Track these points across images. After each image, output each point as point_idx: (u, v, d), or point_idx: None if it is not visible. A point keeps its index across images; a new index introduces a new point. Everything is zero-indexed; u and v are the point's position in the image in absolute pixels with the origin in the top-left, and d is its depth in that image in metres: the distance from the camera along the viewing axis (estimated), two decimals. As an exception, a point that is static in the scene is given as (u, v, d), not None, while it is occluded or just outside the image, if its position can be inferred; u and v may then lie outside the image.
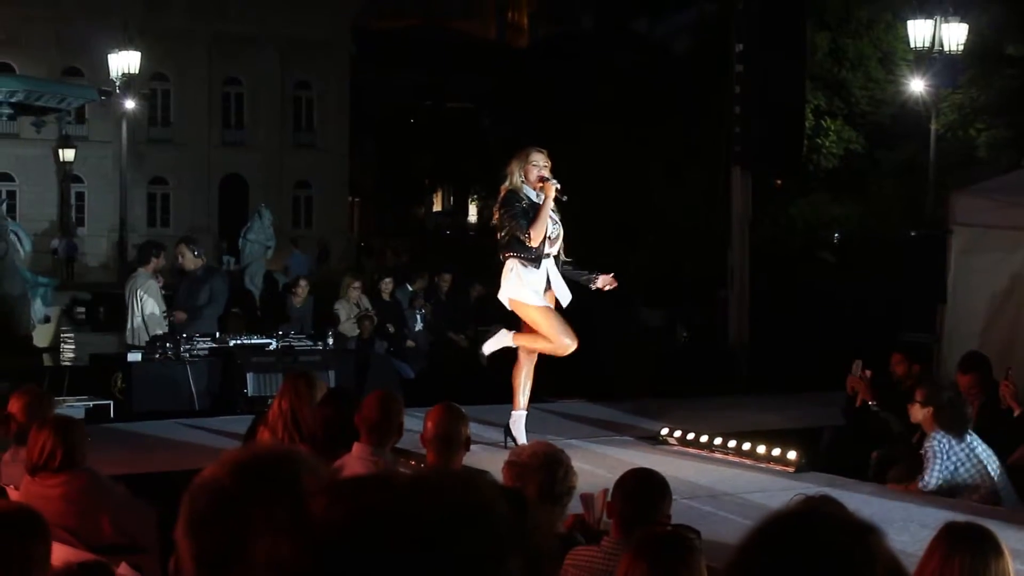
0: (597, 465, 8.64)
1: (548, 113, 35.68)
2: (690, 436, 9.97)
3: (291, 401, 6.29)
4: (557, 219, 9.52)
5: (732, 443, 9.62)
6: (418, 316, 16.51)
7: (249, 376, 12.36)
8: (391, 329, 15.83)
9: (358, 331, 15.38)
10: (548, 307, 9.47)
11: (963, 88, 26.69)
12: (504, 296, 9.50)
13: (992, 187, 14.36)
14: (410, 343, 16.08)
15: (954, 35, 22.62)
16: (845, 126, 28.28)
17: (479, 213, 50.52)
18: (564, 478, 4.71)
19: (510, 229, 9.34)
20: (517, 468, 4.77)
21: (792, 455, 9.22)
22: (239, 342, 12.93)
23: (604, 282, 9.80)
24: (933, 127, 23.94)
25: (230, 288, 15.21)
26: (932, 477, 8.62)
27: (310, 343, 13.21)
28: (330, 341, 13.40)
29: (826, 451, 10.47)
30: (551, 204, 9.36)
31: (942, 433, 8.62)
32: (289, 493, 1.93)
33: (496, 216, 9.55)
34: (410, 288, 16.90)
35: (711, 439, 9.82)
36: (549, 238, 9.40)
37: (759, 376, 14.89)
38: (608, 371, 14.98)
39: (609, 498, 5.09)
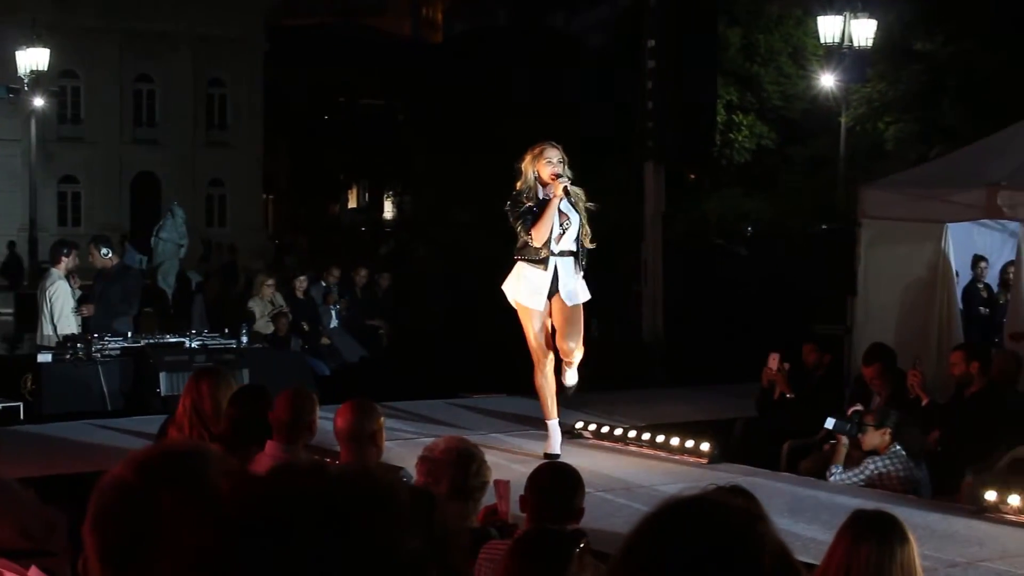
0: (512, 460, 8.64)
1: (463, 109, 35.67)
2: (605, 429, 10.01)
3: (193, 399, 6.23)
4: (573, 215, 9.06)
5: (646, 436, 9.67)
6: (333, 312, 16.44)
7: (162, 375, 12.22)
8: (306, 327, 15.75)
9: (273, 328, 15.27)
10: (538, 313, 9.11)
11: (872, 83, 27.03)
12: (506, 293, 9.24)
13: (900, 180, 14.54)
14: (325, 340, 16.00)
15: (863, 31, 22.90)
16: (757, 121, 28.55)
17: (394, 208, 50.40)
18: (477, 473, 4.71)
19: (517, 231, 9.01)
20: (429, 463, 4.76)
21: (705, 447, 9.29)
22: (151, 341, 12.80)
23: None
24: (843, 121, 24.21)
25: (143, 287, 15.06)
26: (847, 481, 8.72)
27: (224, 342, 13.10)
28: (244, 339, 13.30)
29: (739, 442, 10.55)
30: (558, 202, 8.92)
31: (896, 456, 8.70)
32: (194, 487, 1.92)
33: (508, 217, 9.12)
34: (324, 284, 16.81)
35: (626, 432, 9.86)
36: (559, 235, 8.99)
37: (673, 369, 14.99)
38: (524, 365, 15.02)
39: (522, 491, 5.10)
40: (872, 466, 8.70)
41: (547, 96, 31.34)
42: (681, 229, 24.36)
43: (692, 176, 27.98)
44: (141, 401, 12.11)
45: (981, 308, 14.47)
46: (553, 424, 9.33)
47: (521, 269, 9.09)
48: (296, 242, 32.05)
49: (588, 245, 9.17)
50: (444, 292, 20.25)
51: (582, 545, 3.80)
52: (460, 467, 4.68)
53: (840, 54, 23.40)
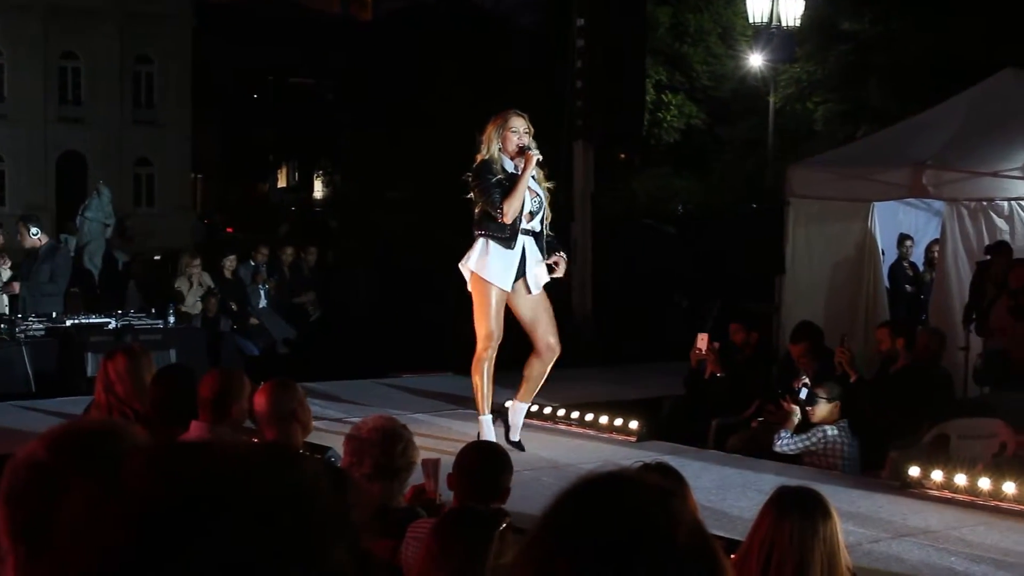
0: (441, 439, 8.64)
1: (392, 88, 35.53)
2: (534, 408, 10.01)
3: (106, 381, 6.16)
4: (541, 191, 8.66)
5: (575, 414, 9.70)
6: (262, 292, 16.33)
7: (88, 356, 12.10)
8: (234, 307, 15.63)
9: (201, 308, 15.15)
10: (503, 294, 8.59)
11: (800, 63, 27.18)
12: (465, 267, 8.65)
13: (828, 160, 14.67)
14: (253, 320, 15.90)
15: (791, 10, 23.00)
16: (686, 100, 28.64)
17: (325, 188, 50.15)
18: (402, 453, 4.69)
19: (482, 203, 8.49)
20: (355, 443, 4.74)
21: (634, 425, 9.33)
22: (77, 322, 12.66)
23: (558, 265, 8.76)
24: (772, 101, 24.35)
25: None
26: (796, 445, 8.80)
27: (151, 322, 12.99)
28: (171, 320, 13.19)
29: (667, 421, 10.61)
30: (530, 175, 8.50)
31: (844, 429, 8.81)
32: (105, 465, 1.88)
33: (471, 189, 8.60)
34: (252, 264, 16.69)
35: (555, 411, 9.88)
36: (530, 212, 8.57)
37: (602, 348, 15.04)
38: (453, 344, 15.04)
39: (450, 469, 5.09)
40: (820, 434, 8.80)
41: (477, 75, 31.27)
42: (611, 209, 24.41)
43: (622, 156, 28.03)
44: (67, 382, 11.99)
45: (907, 286, 14.63)
46: (486, 420, 8.80)
47: (486, 245, 8.56)
48: (216, 221, 31.84)
49: (548, 233, 8.78)
50: (375, 271, 20.18)
51: (504, 524, 3.79)
52: (385, 447, 4.65)
53: (768, 34, 23.50)
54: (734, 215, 24.53)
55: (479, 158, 8.61)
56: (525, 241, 8.60)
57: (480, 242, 8.58)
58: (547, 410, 9.91)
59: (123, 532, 1.45)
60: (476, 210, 8.60)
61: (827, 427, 8.83)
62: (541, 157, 8.57)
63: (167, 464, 1.51)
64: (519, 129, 8.57)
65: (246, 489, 1.47)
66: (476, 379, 8.73)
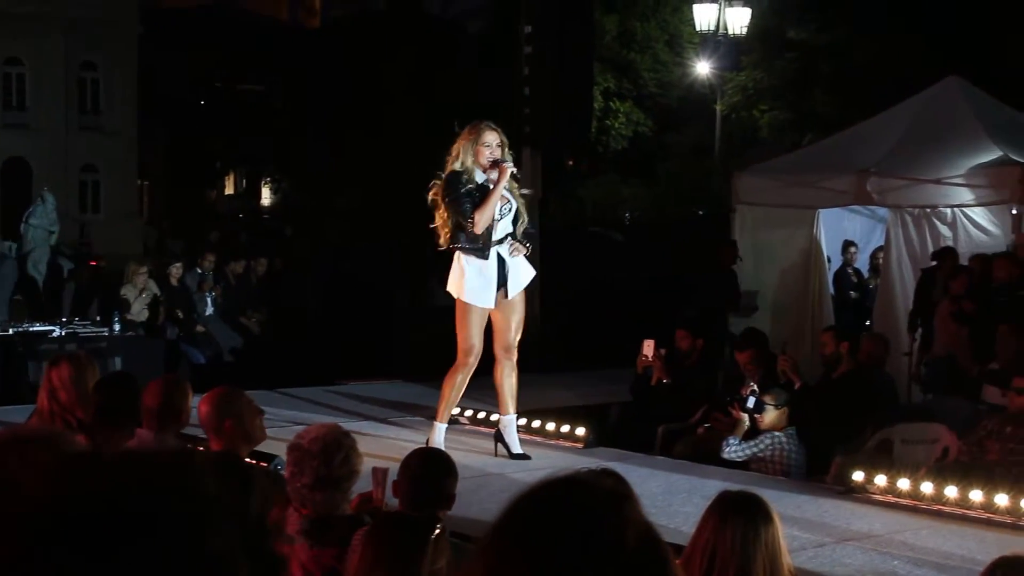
0: (387, 447, 8.61)
1: (341, 95, 35.43)
2: (481, 415, 10.01)
3: (49, 388, 6.11)
4: (512, 199, 8.56)
5: (522, 421, 9.69)
6: (208, 300, 16.25)
7: (31, 365, 12.00)
8: (180, 315, 15.54)
9: (147, 316, 15.06)
10: (486, 312, 8.54)
11: (746, 71, 27.36)
12: (449, 288, 8.62)
13: (773, 167, 14.76)
14: (200, 328, 15.81)
15: (738, 18, 23.17)
16: (634, 108, 28.75)
17: (273, 195, 49.95)
18: (344, 462, 4.67)
19: (453, 214, 8.36)
20: (297, 452, 4.72)
21: (581, 432, 9.34)
22: (20, 329, 12.55)
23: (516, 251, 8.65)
24: (718, 109, 24.54)
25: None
26: (744, 452, 8.85)
27: (96, 330, 12.89)
28: (116, 327, 13.10)
29: (614, 427, 10.64)
30: (503, 187, 8.39)
31: (791, 436, 8.86)
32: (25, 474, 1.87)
33: (438, 203, 8.45)
34: (199, 272, 16.60)
35: (502, 418, 9.87)
36: (498, 221, 8.46)
37: (550, 355, 15.05)
38: (403, 351, 15.03)
39: (395, 477, 5.08)
40: (768, 440, 8.84)
41: (425, 82, 31.25)
42: (558, 215, 24.48)
43: (570, 162, 28.09)
44: (11, 391, 11.87)
45: (851, 292, 14.74)
46: (440, 428, 8.80)
47: (463, 261, 8.47)
48: (163, 227, 31.65)
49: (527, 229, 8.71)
50: (323, 278, 20.12)
51: (438, 530, 3.79)
52: (326, 456, 4.63)
53: (715, 41, 23.66)
54: (680, 222, 24.66)
55: (448, 169, 8.50)
56: (500, 250, 8.54)
57: (456, 260, 8.52)
58: (494, 417, 9.90)
59: (10, 535, 1.46)
60: (445, 229, 8.49)
61: (775, 433, 8.89)
62: (516, 170, 8.53)
63: (58, 472, 1.52)
64: (492, 144, 8.48)
65: (127, 495, 1.48)
66: (446, 388, 8.76)
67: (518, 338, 8.82)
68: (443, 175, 8.53)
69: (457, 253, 8.52)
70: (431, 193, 8.57)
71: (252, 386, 11.44)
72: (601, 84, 27.34)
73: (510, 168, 8.44)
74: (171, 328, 15.30)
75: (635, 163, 29.16)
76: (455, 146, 8.55)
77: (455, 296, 8.58)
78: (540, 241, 15.97)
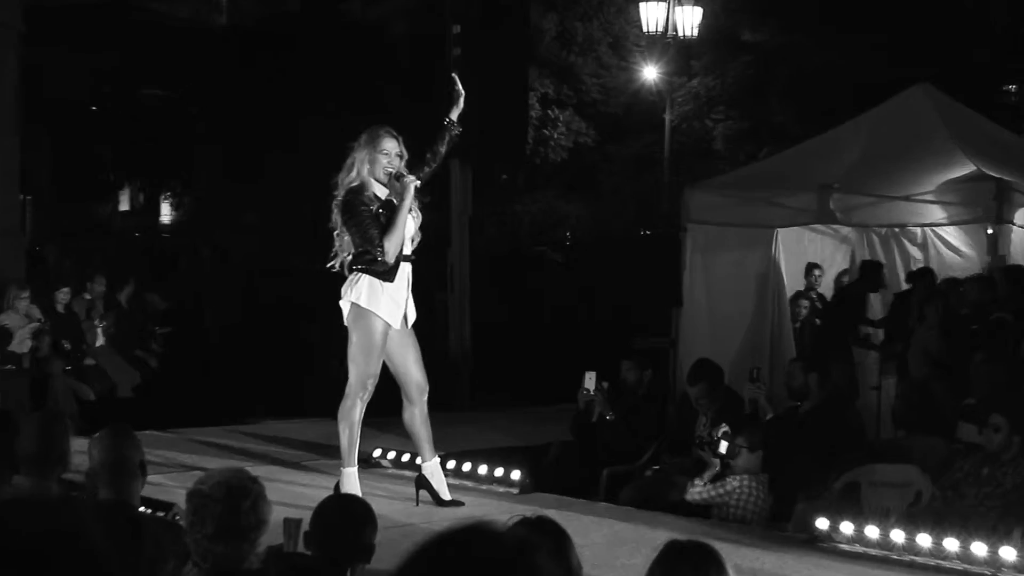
0: (299, 495, 8.52)
1: (250, 102, 35.25)
2: (405, 457, 9.95)
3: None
4: (416, 215, 8.51)
5: (451, 464, 9.63)
6: (98, 330, 16.05)
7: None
8: (67, 345, 15.34)
9: (31, 347, 14.85)
10: (386, 332, 8.40)
11: (698, 76, 27.48)
12: (348, 301, 8.40)
13: (727, 182, 14.81)
14: (89, 360, 15.62)
15: (688, 19, 23.26)
16: (575, 116, 28.74)
17: (173, 211, 49.59)
18: (250, 511, 4.58)
19: (358, 240, 8.27)
20: (198, 499, 4.63)
21: (516, 475, 9.30)
22: None
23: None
24: (667, 118, 24.60)
25: None
26: (708, 494, 8.83)
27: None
28: (-5, 360, 12.92)
29: (553, 470, 10.59)
30: (408, 205, 8.32)
31: (763, 483, 8.85)
32: None
33: (337, 223, 8.39)
34: (88, 297, 16.40)
35: (429, 460, 9.80)
36: (411, 239, 8.44)
37: (482, 389, 15.01)
38: (324, 384, 14.92)
39: (308, 527, 5.02)
40: (737, 484, 8.82)
41: (344, 87, 31.17)
42: (491, 233, 24.45)
43: (503, 176, 28.08)
44: None
45: (816, 320, 14.78)
46: (351, 473, 8.59)
47: (368, 279, 8.36)
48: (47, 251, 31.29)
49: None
50: (230, 304, 19.96)
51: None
52: (231, 502, 4.55)
53: (664, 44, 23.76)
54: (626, 242, 24.70)
55: (344, 181, 8.38)
56: (408, 270, 8.49)
57: (361, 278, 8.38)
58: (419, 459, 9.83)
59: None
60: (345, 247, 8.42)
61: (746, 478, 8.86)
62: (420, 183, 8.44)
63: None
64: (391, 152, 8.42)
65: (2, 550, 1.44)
66: (343, 426, 8.56)
67: (424, 373, 8.76)
68: (339, 196, 8.41)
69: (362, 275, 8.40)
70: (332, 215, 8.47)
71: (148, 426, 11.38)
72: (538, 90, 27.31)
73: (414, 182, 8.37)
74: (57, 361, 15.09)
75: (576, 177, 29.18)
76: (349, 157, 8.46)
77: (360, 306, 8.36)
78: (470, 264, 15.99)
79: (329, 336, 17.76)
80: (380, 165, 8.39)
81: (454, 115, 8.86)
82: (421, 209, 8.65)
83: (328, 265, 8.54)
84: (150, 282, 17.95)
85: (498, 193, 26.70)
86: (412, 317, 8.61)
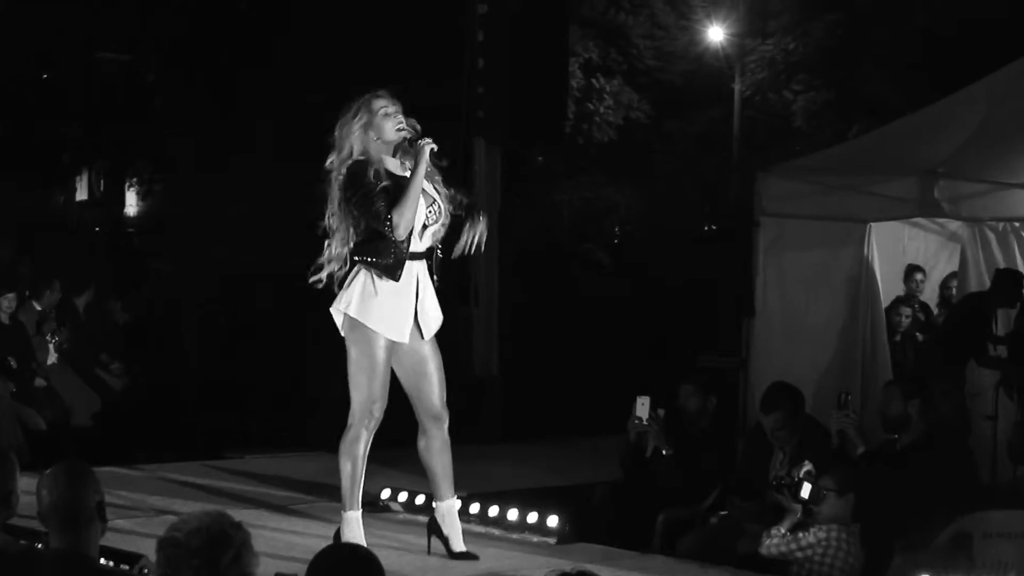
0: (292, 544, 8.56)
1: (236, 65, 35.31)
2: (419, 500, 9.96)
3: None
4: (437, 195, 8.35)
5: (475, 508, 9.64)
6: (50, 345, 16.15)
7: None
8: (13, 363, 15.44)
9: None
10: (390, 349, 8.34)
11: (774, 37, 27.45)
12: (340, 308, 8.30)
13: (810, 166, 14.77)
14: (40, 381, 15.71)
15: (761, -32, 23.29)
16: (625, 86, 28.76)
17: (141, 201, 49.78)
18: (232, 564, 4.62)
19: (362, 217, 8.16)
20: (171, 549, 4.66)
21: (554, 522, 9.30)
22: None
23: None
24: (737, 88, 24.64)
25: None
26: (787, 547, 8.83)
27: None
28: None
29: (598, 515, 10.60)
30: (423, 171, 8.14)
31: (854, 535, 8.84)
32: None
33: (336, 207, 8.27)
34: (37, 307, 16.49)
35: (448, 503, 9.83)
36: (423, 226, 8.26)
37: (513, 417, 15.04)
38: (324, 412, 14.97)
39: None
40: (823, 536, 8.80)
41: (347, 44, 31.23)
42: (524, 230, 24.45)
43: (539, 159, 28.11)
44: None
45: (918, 334, 14.76)
46: (354, 517, 8.54)
47: (368, 278, 8.25)
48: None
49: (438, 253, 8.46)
50: (209, 314, 20.06)
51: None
52: (210, 554, 4.58)
53: (732, -1, 23.80)
54: (687, 238, 24.72)
55: (341, 162, 8.27)
56: (418, 269, 8.36)
57: (359, 275, 8.27)
58: (434, 500, 9.85)
59: None
60: (341, 241, 8.31)
61: (833, 528, 8.84)
62: (436, 147, 8.25)
63: None
64: (390, 108, 8.29)
65: None
66: (345, 461, 8.51)
67: (444, 396, 8.70)
68: (337, 174, 8.27)
69: (360, 271, 8.29)
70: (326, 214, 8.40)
71: (110, 461, 11.43)
72: (580, 55, 27.37)
73: (429, 144, 8.19)
74: (3, 382, 15.21)
75: (627, 160, 29.17)
76: (340, 134, 8.31)
77: (353, 318, 8.28)
78: (499, 266, 16.00)
79: (331, 352, 17.85)
80: (388, 128, 8.28)
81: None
82: (441, 194, 8.55)
83: (312, 280, 8.42)
84: (114, 288, 18.03)
85: (533, 180, 26.74)
86: (432, 326, 8.50)
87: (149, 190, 46.40)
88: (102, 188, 53.33)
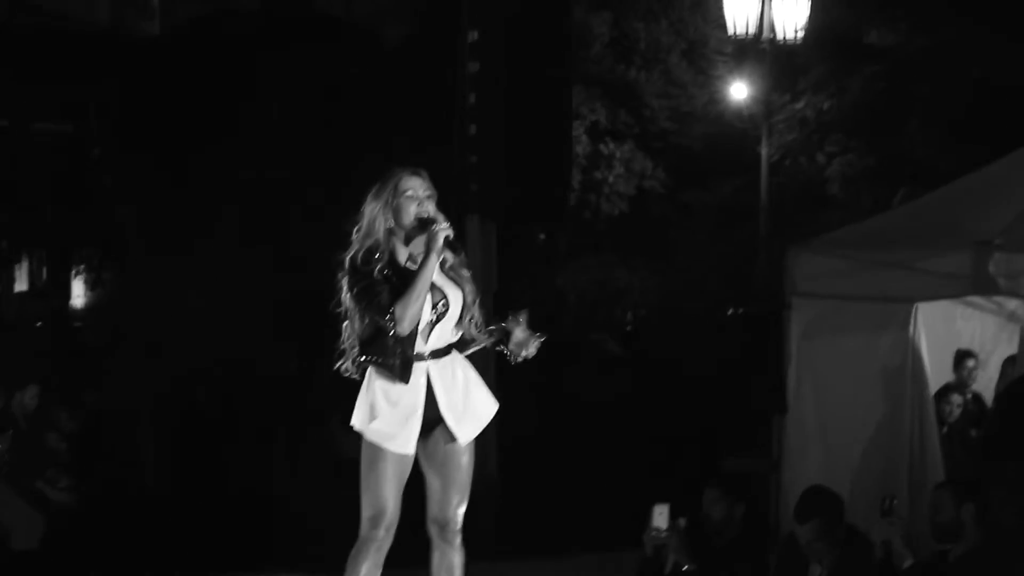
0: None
1: (194, 139, 35.40)
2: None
3: None
4: (451, 290, 8.39)
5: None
6: (-10, 460, 16.19)
7: None
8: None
9: None
10: (400, 460, 8.36)
11: (806, 95, 27.52)
12: (354, 420, 8.38)
13: (847, 240, 14.79)
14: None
15: (790, 16, 23.39)
16: (637, 152, 28.79)
17: (89, 291, 49.81)
18: None
19: (365, 311, 8.23)
20: None
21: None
22: None
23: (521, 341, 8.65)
24: (764, 152, 24.62)
25: None
26: None
27: None
28: None
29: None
30: (436, 260, 8.20)
31: None
32: None
33: (344, 298, 8.34)
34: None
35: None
36: (430, 323, 8.31)
37: (511, 528, 15.03)
38: (314, 527, 15.01)
39: None
40: None
41: (319, 114, 31.35)
42: (524, 316, 24.47)
43: (540, 236, 28.13)
44: None
45: (972, 430, 14.74)
46: None
47: (371, 381, 8.35)
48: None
49: (478, 336, 8.53)
50: (174, 420, 20.09)
51: None
52: None
53: (758, 51, 23.87)
54: (709, 324, 24.73)
55: (358, 238, 8.32)
56: (430, 367, 8.38)
57: (367, 378, 8.35)
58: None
59: None
60: (347, 333, 8.37)
61: None
62: (452, 233, 8.26)
63: None
64: (418, 192, 8.33)
65: None
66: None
67: (463, 508, 8.72)
68: (345, 257, 8.49)
69: (369, 372, 8.35)
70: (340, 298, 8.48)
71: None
72: (586, 117, 27.44)
73: (443, 230, 8.23)
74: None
75: (640, 236, 29.15)
76: (364, 210, 8.35)
77: (364, 434, 8.37)
78: (496, 358, 16.00)
79: (314, 456, 17.84)
80: (407, 212, 8.32)
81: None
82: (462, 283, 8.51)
83: (338, 367, 8.49)
84: (59, 391, 18.05)
85: (533, 260, 26.73)
86: (471, 426, 8.50)
87: (98, 278, 46.48)
88: (44, 277, 53.41)
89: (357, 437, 8.43)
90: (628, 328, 27.58)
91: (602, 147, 28.31)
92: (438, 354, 8.38)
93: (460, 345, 8.49)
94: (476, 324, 8.50)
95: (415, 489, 8.48)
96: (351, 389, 8.45)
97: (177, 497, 16.73)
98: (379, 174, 8.71)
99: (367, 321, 8.23)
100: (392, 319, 8.08)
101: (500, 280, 16.14)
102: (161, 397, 21.71)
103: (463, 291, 8.42)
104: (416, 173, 8.42)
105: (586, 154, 27.47)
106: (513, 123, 15.55)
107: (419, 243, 8.27)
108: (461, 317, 8.43)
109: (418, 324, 8.20)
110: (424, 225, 8.23)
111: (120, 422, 19.26)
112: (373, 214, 8.31)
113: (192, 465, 18.00)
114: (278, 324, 20.50)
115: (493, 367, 15.80)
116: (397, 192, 8.32)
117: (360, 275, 8.18)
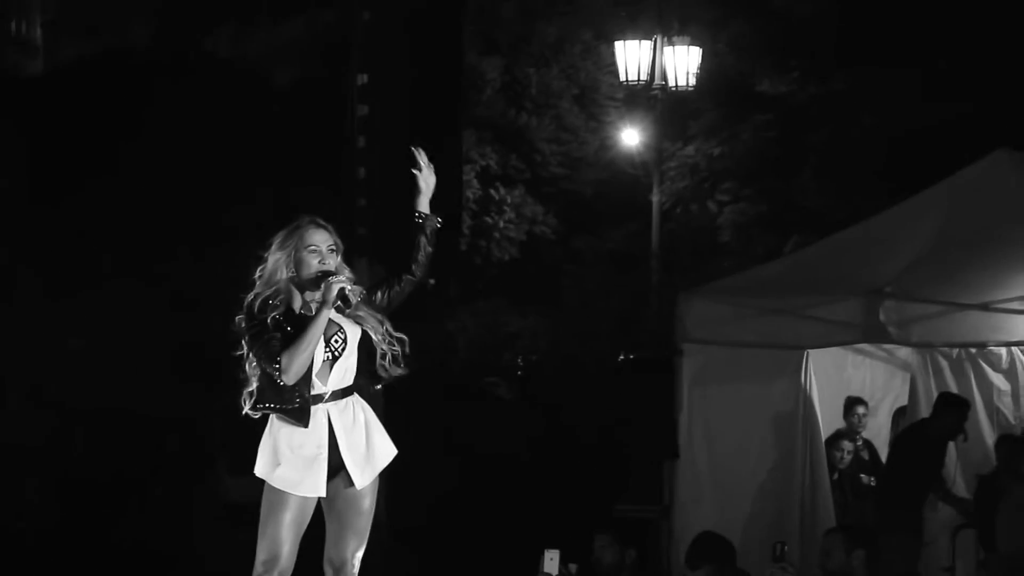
0: None
1: (78, 186, 35.10)
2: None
3: None
4: (350, 328, 8.32)
5: None
6: None
7: None
8: None
9: None
10: (300, 505, 8.26)
11: (697, 141, 27.60)
12: (257, 467, 8.31)
13: (739, 287, 14.88)
14: None
15: (681, 63, 23.45)
16: (528, 197, 28.77)
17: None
18: None
19: (256, 358, 8.21)
20: None
21: None
22: None
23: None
24: (655, 199, 24.67)
25: None
26: None
27: None
28: None
29: None
30: (327, 312, 8.14)
31: None
32: None
33: (241, 340, 8.31)
34: None
35: None
36: (331, 363, 8.27)
37: (404, 573, 14.97)
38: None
39: None
40: None
41: (210, 160, 31.19)
42: (414, 361, 24.42)
43: (430, 282, 28.06)
44: None
45: (862, 476, 14.80)
46: None
47: (275, 428, 8.30)
48: None
49: (392, 370, 8.48)
50: (43, 474, 19.92)
51: None
52: None
53: (649, 97, 23.94)
54: (600, 369, 24.71)
55: (259, 284, 8.29)
56: (330, 410, 8.32)
57: (269, 422, 8.31)
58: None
59: None
60: (251, 373, 8.28)
61: None
62: (349, 284, 8.18)
63: None
64: (321, 247, 8.29)
65: None
66: None
67: (360, 553, 8.68)
68: (245, 302, 8.43)
69: (271, 419, 8.30)
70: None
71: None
72: (477, 162, 27.40)
73: (339, 283, 8.16)
74: None
75: (530, 282, 29.08)
76: (267, 254, 8.31)
77: (266, 481, 8.29)
78: (383, 403, 15.95)
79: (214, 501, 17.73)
80: (308, 266, 8.30)
81: (423, 205, 8.91)
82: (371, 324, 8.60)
83: (244, 411, 8.45)
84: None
85: (424, 306, 26.61)
86: (363, 472, 8.34)
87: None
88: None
89: (247, 481, 8.39)
90: (519, 373, 27.52)
91: (493, 192, 28.29)
92: (338, 395, 8.33)
93: (375, 380, 8.48)
94: (391, 361, 8.47)
95: (313, 531, 8.45)
96: (239, 432, 8.42)
97: (62, 542, 16.56)
98: (268, 213, 8.71)
99: (261, 370, 8.22)
100: (279, 368, 8.09)
101: (390, 324, 16.10)
102: (42, 443, 21.52)
103: (364, 327, 8.37)
104: (322, 226, 8.39)
105: (477, 199, 27.44)
106: (402, 167, 15.53)
107: (317, 294, 8.29)
108: (372, 353, 8.41)
109: (312, 367, 8.21)
110: (323, 278, 8.26)
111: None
112: (276, 264, 8.29)
113: (78, 518, 17.83)
114: (163, 365, 20.39)
115: (382, 410, 15.82)
116: (300, 246, 8.32)
117: (255, 322, 8.17)
